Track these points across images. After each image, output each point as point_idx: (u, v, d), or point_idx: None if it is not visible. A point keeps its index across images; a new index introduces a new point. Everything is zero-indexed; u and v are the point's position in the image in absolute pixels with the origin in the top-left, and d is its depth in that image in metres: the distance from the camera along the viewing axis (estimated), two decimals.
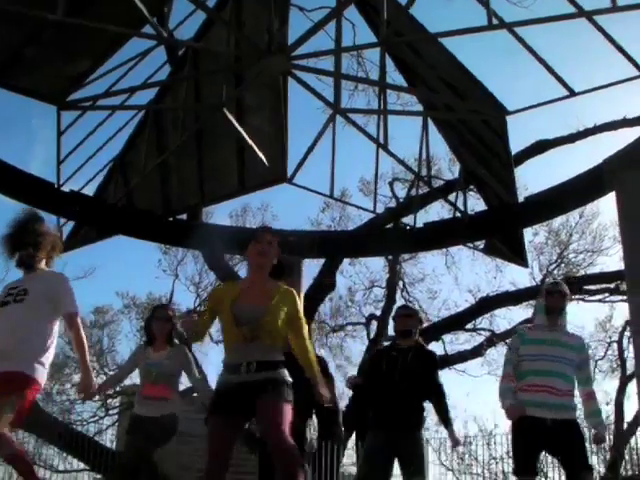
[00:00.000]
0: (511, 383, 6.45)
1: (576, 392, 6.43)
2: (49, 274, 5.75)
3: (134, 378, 7.59)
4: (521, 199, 10.29)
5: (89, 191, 11.10)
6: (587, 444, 6.59)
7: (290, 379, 4.82)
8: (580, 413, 6.84)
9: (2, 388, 5.13)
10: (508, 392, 6.41)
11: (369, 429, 6.89)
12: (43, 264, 5.74)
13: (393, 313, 7.55)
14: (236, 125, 10.30)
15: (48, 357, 5.45)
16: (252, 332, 4.72)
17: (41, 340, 5.42)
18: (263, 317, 4.76)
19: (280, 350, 4.89)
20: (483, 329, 22.12)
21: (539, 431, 6.08)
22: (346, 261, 20.22)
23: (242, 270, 21.17)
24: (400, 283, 22.00)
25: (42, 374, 5.38)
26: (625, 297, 20.35)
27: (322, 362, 8.37)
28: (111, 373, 22.67)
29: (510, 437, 6.70)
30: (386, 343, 15.93)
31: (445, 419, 6.86)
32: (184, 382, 8.38)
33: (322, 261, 17.44)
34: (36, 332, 5.40)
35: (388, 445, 6.57)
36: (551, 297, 6.56)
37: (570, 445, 6.09)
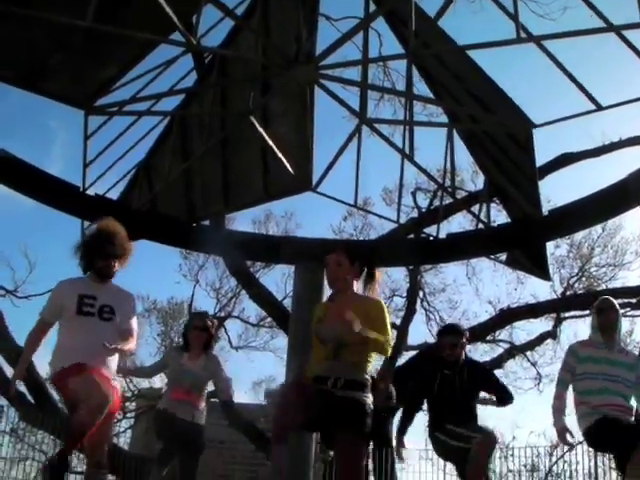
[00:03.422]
0: (563, 404, 6.40)
1: None
2: (128, 296, 5.90)
3: (151, 382, 7.68)
4: (544, 212, 10.25)
5: (113, 195, 11.19)
6: None
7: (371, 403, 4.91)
8: None
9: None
10: (557, 413, 6.35)
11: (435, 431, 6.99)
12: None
13: (438, 335, 7.61)
14: (262, 133, 10.33)
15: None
16: (333, 351, 4.80)
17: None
18: (345, 337, 4.76)
19: (366, 369, 4.94)
20: (503, 341, 22.04)
21: (619, 426, 5.98)
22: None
23: (263, 277, 21.23)
24: (420, 293, 21.94)
25: None
26: None
27: None
28: (137, 380, 22.82)
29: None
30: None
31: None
32: None
33: None
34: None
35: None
36: (601, 314, 6.47)
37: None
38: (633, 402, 6.34)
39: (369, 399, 4.87)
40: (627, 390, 6.22)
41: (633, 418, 6.23)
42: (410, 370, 16.18)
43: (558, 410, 6.38)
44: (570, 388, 6.48)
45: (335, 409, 4.71)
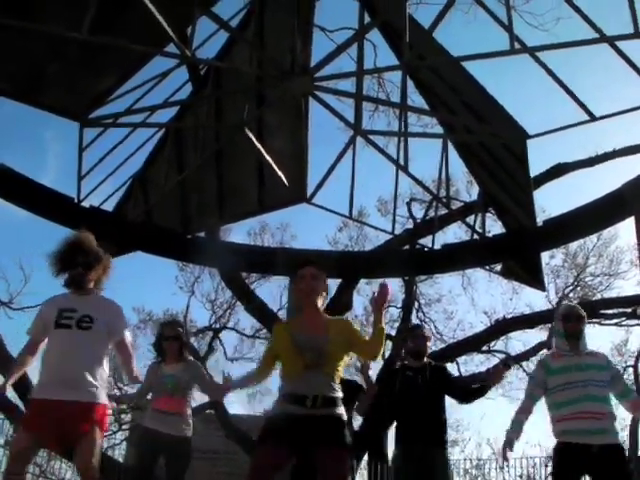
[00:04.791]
0: (524, 417, 6.43)
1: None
2: (110, 304, 5.73)
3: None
4: (539, 222, 10.26)
5: (108, 207, 11.17)
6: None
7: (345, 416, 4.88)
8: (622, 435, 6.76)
9: (81, 418, 5.19)
10: (516, 424, 6.42)
11: (396, 445, 6.99)
12: (92, 285, 5.69)
13: (410, 332, 7.64)
14: (257, 145, 10.34)
15: (106, 382, 5.57)
16: (315, 359, 4.75)
17: (104, 368, 5.49)
18: (325, 346, 4.80)
19: (338, 382, 4.92)
20: (498, 351, 22.03)
21: (583, 457, 5.94)
22: (363, 280, 20.18)
23: (258, 288, 21.22)
24: (416, 303, 21.94)
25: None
26: None
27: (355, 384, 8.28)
28: (126, 388, 22.70)
29: (550, 462, 6.67)
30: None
31: (477, 389, 7.41)
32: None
33: (339, 280, 17.39)
34: (101, 361, 5.46)
35: (419, 459, 6.80)
36: (569, 322, 6.45)
37: (614, 471, 5.93)
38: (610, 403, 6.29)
39: (344, 414, 4.87)
40: (601, 391, 6.16)
41: (612, 422, 6.21)
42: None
43: (518, 422, 6.43)
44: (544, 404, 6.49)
45: (316, 429, 4.66)
